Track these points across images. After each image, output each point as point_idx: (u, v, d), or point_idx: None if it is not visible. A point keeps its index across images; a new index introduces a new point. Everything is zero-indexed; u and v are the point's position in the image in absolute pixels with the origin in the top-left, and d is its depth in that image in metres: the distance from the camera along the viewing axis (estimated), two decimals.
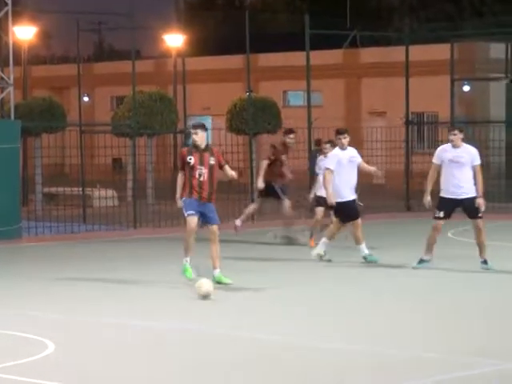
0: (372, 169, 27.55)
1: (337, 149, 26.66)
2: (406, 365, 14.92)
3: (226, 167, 22.22)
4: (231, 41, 56.74)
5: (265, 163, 30.09)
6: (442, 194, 23.55)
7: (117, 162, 48.94)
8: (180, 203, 22.66)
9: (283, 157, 30.40)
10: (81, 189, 39.35)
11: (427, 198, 23.61)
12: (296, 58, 44.47)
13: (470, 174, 23.41)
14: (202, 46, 67.03)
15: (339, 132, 26.94)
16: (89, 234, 33.05)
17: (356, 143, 55.13)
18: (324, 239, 25.92)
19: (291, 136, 30.60)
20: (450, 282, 23.30)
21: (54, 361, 15.03)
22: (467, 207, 23.60)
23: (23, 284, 22.71)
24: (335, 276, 24.47)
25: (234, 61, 52.79)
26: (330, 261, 25.80)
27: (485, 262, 23.80)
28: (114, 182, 44.46)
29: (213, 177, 22.00)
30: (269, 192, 30.12)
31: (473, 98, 53.09)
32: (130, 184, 41.68)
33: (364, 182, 48.87)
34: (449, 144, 23.50)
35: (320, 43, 46.75)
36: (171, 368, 14.64)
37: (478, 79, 52.36)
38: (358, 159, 26.93)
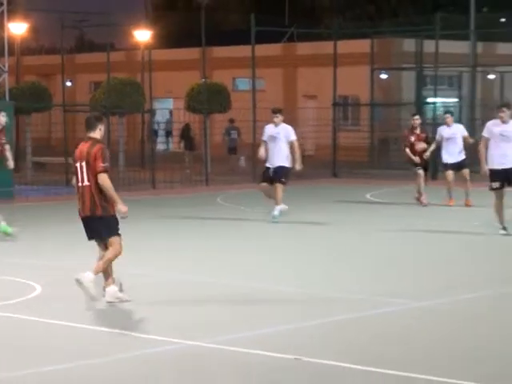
0: (297, 157, 25.82)
1: (270, 125, 26.20)
2: (324, 303, 14.81)
3: None
4: (190, 36, 56.60)
5: None
6: (493, 166, 21.58)
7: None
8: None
9: None
10: (64, 158, 39.37)
11: (485, 168, 21.74)
12: (244, 50, 44.41)
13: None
14: (166, 40, 66.82)
15: (273, 111, 26.51)
16: (70, 196, 33.00)
17: (292, 121, 55.25)
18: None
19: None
20: (380, 237, 22.83)
21: (42, 300, 15.08)
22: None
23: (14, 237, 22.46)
24: (271, 232, 24.08)
25: (192, 53, 52.49)
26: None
27: None
28: None
29: None
30: None
31: (388, 84, 53.16)
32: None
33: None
34: (497, 120, 21.98)
35: (263, 38, 46.74)
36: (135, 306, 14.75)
37: (392, 69, 52.42)
38: (290, 137, 25.93)
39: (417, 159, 28.45)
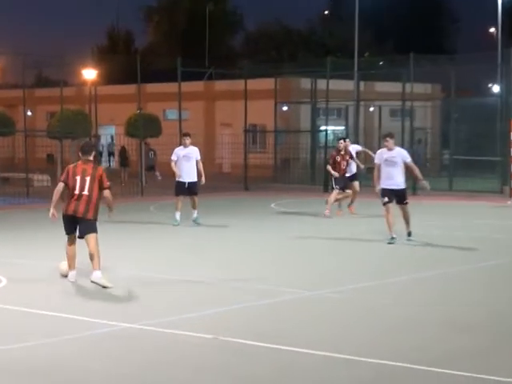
0: (201, 173, 25.67)
1: (181, 146, 26.03)
2: (238, 291, 14.90)
3: None
4: (128, 74, 56.33)
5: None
6: (383, 186, 21.54)
7: (50, 157, 48.64)
8: None
9: None
10: (25, 174, 39.22)
11: (378, 187, 21.67)
12: (172, 87, 44.27)
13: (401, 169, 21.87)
14: (109, 78, 66.58)
15: (183, 134, 26.53)
16: (30, 206, 32.85)
17: (211, 145, 55.26)
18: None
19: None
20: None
21: (8, 291, 15.01)
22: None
23: None
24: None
25: (130, 88, 52.25)
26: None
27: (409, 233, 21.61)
28: (48, 170, 44.17)
29: None
30: None
31: (289, 115, 53.43)
32: (59, 171, 41.41)
33: (216, 170, 49.35)
34: (385, 148, 22.06)
35: (188, 76, 46.78)
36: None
37: (292, 102, 52.64)
38: (197, 155, 25.66)
39: (336, 175, 27.78)
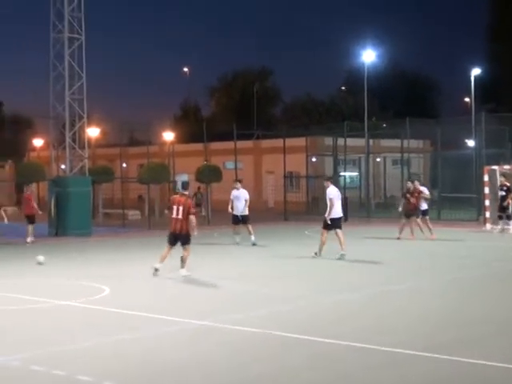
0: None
1: (234, 189, 26.41)
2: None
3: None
4: (197, 136, 56.36)
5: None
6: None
7: (140, 197, 48.59)
8: None
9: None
10: (122, 210, 39.48)
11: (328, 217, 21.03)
12: (229, 145, 44.44)
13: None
14: (183, 138, 66.88)
15: (234, 180, 27.29)
16: (126, 234, 32.78)
17: (259, 187, 55.05)
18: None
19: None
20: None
21: (110, 297, 14.91)
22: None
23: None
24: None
25: (198, 146, 52.49)
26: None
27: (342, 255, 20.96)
28: (139, 207, 44.27)
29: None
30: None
31: (317, 164, 53.32)
32: (147, 208, 41.54)
33: (263, 206, 49.23)
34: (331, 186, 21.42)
35: (241, 137, 46.88)
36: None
37: (319, 155, 52.60)
38: (246, 196, 26.10)
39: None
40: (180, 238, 17.51)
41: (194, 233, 17.65)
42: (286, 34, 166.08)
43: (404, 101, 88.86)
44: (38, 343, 10.55)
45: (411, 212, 27.54)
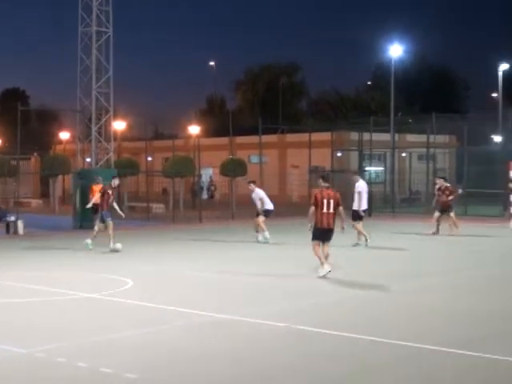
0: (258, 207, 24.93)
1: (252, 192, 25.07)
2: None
3: None
4: (223, 129, 56.49)
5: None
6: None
7: (164, 191, 48.66)
8: None
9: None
10: (146, 204, 39.65)
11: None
12: (255, 139, 44.44)
13: None
14: (208, 132, 67.00)
15: (248, 181, 25.72)
16: (150, 227, 32.89)
17: (284, 181, 55.12)
18: None
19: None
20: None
21: (133, 290, 14.97)
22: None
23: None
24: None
25: (224, 140, 52.87)
26: None
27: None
28: (163, 200, 44.61)
29: None
30: None
31: (342, 159, 53.20)
32: (171, 201, 41.71)
33: (287, 200, 49.20)
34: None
35: (266, 131, 46.92)
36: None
37: (344, 149, 52.47)
38: (259, 195, 24.78)
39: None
40: (330, 233, 16.28)
41: (344, 226, 16.57)
42: (314, 29, 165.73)
43: (430, 96, 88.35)
44: (63, 335, 10.66)
45: (445, 208, 27.68)
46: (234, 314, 11.99)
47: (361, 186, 23.65)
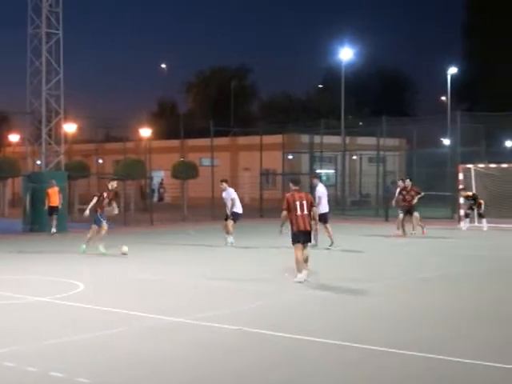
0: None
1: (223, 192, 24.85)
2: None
3: None
4: (173, 132, 56.39)
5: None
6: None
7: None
8: None
9: None
10: None
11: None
12: (206, 141, 44.40)
13: None
14: (159, 134, 66.62)
15: (220, 180, 25.36)
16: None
17: (235, 184, 55.10)
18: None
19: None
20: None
21: (84, 294, 14.90)
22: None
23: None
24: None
25: (175, 143, 52.68)
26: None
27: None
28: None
29: None
30: None
31: (293, 161, 53.42)
32: (122, 204, 41.41)
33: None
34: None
35: (218, 133, 46.88)
36: None
37: (295, 152, 52.66)
38: (231, 196, 24.43)
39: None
40: (308, 235, 16.16)
41: (317, 228, 16.45)
42: (265, 33, 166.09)
43: (381, 99, 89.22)
44: (11, 340, 10.48)
45: (409, 208, 28.33)
46: (187, 318, 11.91)
47: (320, 190, 23.67)
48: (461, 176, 34.25)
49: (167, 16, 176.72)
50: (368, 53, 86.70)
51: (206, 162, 49.52)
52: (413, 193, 28.41)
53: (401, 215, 28.23)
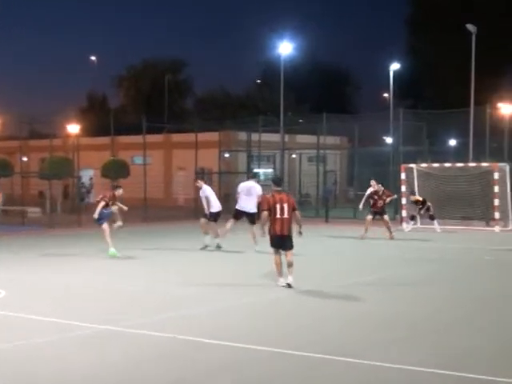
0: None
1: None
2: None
3: None
4: (104, 128, 55.77)
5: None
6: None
7: (41, 193, 47.63)
8: None
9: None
10: (21, 207, 38.64)
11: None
12: (138, 138, 44.20)
13: None
14: (88, 131, 65.95)
15: (195, 178, 25.18)
16: (25, 232, 32.19)
17: (169, 183, 54.85)
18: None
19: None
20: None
21: (6, 301, 14.60)
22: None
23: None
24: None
25: (105, 140, 52.12)
26: None
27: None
28: (39, 204, 43.64)
29: None
30: None
31: (229, 160, 53.50)
32: (48, 205, 40.87)
33: (172, 203, 48.96)
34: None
35: (151, 130, 46.70)
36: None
37: (232, 150, 52.75)
38: (204, 194, 23.95)
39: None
40: (287, 240, 15.63)
41: (301, 231, 15.85)
42: (201, 25, 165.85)
43: (321, 95, 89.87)
44: None
45: (379, 211, 28.77)
46: (117, 325, 11.81)
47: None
48: (403, 176, 34.69)
49: (100, 5, 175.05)
50: (309, 47, 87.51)
51: (139, 160, 49.31)
52: (385, 197, 28.89)
53: (369, 216, 28.51)
